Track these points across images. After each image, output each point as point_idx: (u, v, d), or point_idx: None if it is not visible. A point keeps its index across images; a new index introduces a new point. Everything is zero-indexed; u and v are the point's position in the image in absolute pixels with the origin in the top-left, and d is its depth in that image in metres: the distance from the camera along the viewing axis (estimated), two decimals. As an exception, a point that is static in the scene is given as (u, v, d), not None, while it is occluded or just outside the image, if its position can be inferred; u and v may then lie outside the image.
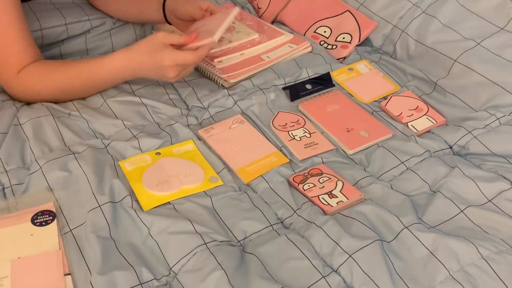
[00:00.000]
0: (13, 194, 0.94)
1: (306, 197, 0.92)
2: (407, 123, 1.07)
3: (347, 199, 0.90)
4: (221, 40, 1.23)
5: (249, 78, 1.19)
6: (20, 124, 1.05)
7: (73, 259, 0.82)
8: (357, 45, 1.29)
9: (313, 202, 0.91)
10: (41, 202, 0.91)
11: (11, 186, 0.95)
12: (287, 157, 1.00)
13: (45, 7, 1.31)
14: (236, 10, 1.12)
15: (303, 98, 1.14)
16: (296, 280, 0.78)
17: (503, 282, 0.76)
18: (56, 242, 0.84)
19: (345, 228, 0.84)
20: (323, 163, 0.99)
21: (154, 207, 0.89)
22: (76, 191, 0.92)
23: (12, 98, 1.13)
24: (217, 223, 0.87)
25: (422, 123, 1.07)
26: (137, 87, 1.16)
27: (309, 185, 0.93)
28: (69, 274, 0.80)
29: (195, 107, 1.13)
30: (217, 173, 0.97)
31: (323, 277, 0.78)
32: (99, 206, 0.88)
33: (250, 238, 0.86)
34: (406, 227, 0.83)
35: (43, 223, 0.87)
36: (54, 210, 0.89)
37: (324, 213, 0.89)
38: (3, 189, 0.95)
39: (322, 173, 0.95)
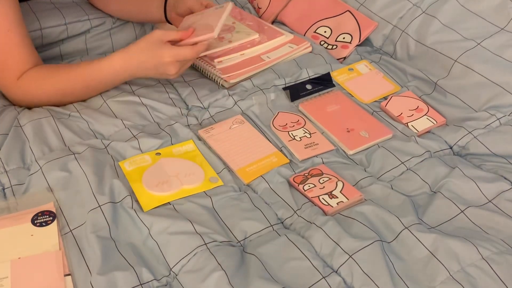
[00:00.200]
0: (13, 195, 0.94)
1: (306, 197, 0.92)
2: (407, 123, 1.07)
3: (347, 199, 0.90)
4: (221, 40, 1.23)
5: (249, 78, 1.19)
6: (21, 126, 1.05)
7: (73, 259, 0.82)
8: (357, 45, 1.29)
9: (313, 203, 0.91)
10: (41, 203, 0.90)
11: (11, 186, 0.95)
12: (287, 157, 1.00)
13: (45, 7, 1.31)
14: (230, 5, 1.12)
15: (303, 98, 1.14)
16: (296, 281, 0.78)
17: (504, 283, 0.76)
18: (56, 243, 0.84)
19: (346, 228, 0.84)
20: (323, 163, 0.99)
21: (154, 208, 0.89)
22: (76, 191, 0.92)
23: (13, 104, 1.13)
24: (217, 223, 0.87)
25: (422, 123, 1.07)
26: (137, 87, 1.16)
27: (309, 186, 0.93)
28: (69, 274, 0.80)
29: (195, 107, 1.13)
30: (217, 173, 0.97)
31: (323, 277, 0.78)
32: (99, 206, 0.88)
33: (250, 239, 0.86)
34: (406, 228, 0.83)
35: (43, 224, 0.87)
36: (54, 210, 0.89)
37: (324, 213, 0.89)
38: (3, 189, 0.95)
39: (322, 174, 0.95)
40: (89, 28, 1.30)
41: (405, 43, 1.23)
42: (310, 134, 1.05)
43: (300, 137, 1.04)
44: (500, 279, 0.76)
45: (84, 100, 1.13)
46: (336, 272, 0.79)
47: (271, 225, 0.88)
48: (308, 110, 1.11)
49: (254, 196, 0.93)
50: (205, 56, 1.21)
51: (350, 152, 1.02)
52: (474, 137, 1.01)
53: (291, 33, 1.32)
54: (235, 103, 1.12)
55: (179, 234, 0.84)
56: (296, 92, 1.15)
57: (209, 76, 1.22)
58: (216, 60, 1.21)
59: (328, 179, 0.94)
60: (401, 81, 1.19)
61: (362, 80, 1.19)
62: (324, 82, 1.17)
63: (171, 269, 0.81)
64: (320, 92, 1.16)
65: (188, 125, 1.08)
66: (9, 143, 1.02)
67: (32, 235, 0.86)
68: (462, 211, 0.87)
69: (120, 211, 0.89)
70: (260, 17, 1.44)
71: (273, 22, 1.42)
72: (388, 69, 1.22)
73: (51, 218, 0.88)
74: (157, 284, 0.80)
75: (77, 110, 1.09)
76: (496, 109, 1.05)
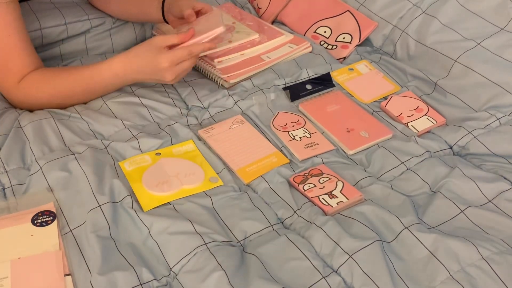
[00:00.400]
0: (14, 195, 0.94)
1: (306, 197, 0.92)
2: (407, 123, 1.07)
3: (347, 199, 0.90)
4: (221, 40, 1.23)
5: (249, 78, 1.19)
6: (21, 127, 1.05)
7: (73, 259, 0.82)
8: (357, 45, 1.29)
9: (313, 203, 0.91)
10: (41, 203, 0.90)
11: (11, 186, 0.95)
12: (287, 157, 1.00)
13: (44, 7, 1.31)
14: (218, 10, 1.16)
15: (303, 98, 1.14)
16: (296, 281, 0.78)
17: (503, 283, 0.76)
18: (56, 243, 0.84)
19: (345, 228, 0.84)
20: (323, 163, 0.99)
21: (154, 207, 0.89)
22: (76, 191, 0.92)
23: (14, 107, 1.13)
24: (217, 223, 0.87)
25: (422, 123, 1.07)
26: (136, 87, 1.16)
27: (309, 186, 0.93)
28: (69, 274, 0.80)
29: (195, 107, 1.13)
30: (217, 173, 0.97)
31: (323, 277, 0.78)
32: (99, 206, 0.88)
33: (250, 239, 0.86)
34: (406, 228, 0.83)
35: (43, 224, 0.87)
36: (54, 210, 0.89)
37: (324, 213, 0.89)
38: (4, 189, 0.95)
39: (322, 174, 0.95)
40: (89, 28, 1.30)
41: (405, 43, 1.23)
42: (310, 134, 1.05)
43: (300, 137, 1.04)
44: (500, 279, 0.76)
45: (84, 103, 1.13)
46: (336, 272, 0.79)
47: (271, 225, 0.88)
48: (308, 110, 1.11)
49: (254, 196, 0.93)
50: (205, 56, 1.21)
51: (350, 152, 1.02)
52: (474, 137, 1.01)
53: (291, 33, 1.32)
54: (235, 103, 1.12)
55: (179, 234, 0.84)
56: (296, 92, 1.15)
57: (209, 76, 1.22)
58: (216, 60, 1.21)
59: (328, 179, 0.94)
60: (401, 81, 1.19)
61: (362, 80, 1.19)
62: (324, 82, 1.17)
63: (171, 269, 0.81)
64: (320, 92, 1.16)
65: (188, 125, 1.08)
66: (9, 143, 1.02)
67: (32, 235, 0.86)
68: (462, 211, 0.87)
69: (120, 211, 0.89)
70: (260, 17, 1.44)
71: (273, 22, 1.43)
72: (388, 69, 1.22)
73: (51, 218, 0.88)
74: (157, 284, 0.80)
75: (77, 111, 1.09)
76: (496, 109, 1.05)
